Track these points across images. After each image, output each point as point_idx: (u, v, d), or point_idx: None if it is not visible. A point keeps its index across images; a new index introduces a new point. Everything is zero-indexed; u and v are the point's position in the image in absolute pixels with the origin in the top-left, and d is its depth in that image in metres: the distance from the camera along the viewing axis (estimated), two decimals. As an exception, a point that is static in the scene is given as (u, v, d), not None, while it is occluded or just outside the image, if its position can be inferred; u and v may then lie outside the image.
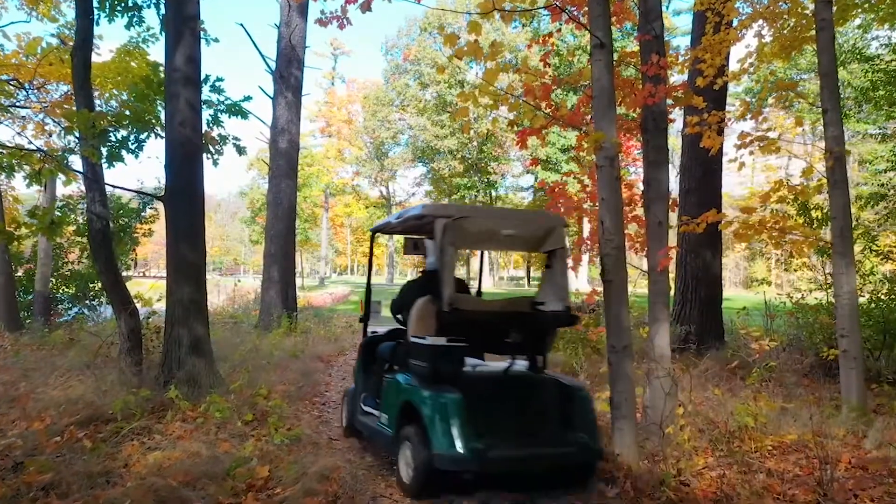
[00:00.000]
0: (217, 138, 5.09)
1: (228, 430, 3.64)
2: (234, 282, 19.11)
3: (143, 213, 13.70)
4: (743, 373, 7.29)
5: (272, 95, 10.85)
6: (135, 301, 12.86)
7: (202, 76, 4.83)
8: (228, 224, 71.71)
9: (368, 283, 4.30)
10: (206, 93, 5.08)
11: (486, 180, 40.82)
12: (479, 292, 4.49)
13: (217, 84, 5.08)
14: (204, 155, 5.06)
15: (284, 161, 10.76)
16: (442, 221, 3.28)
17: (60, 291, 13.41)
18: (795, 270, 9.78)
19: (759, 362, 6.32)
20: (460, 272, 51.07)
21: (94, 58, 5.09)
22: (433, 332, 3.28)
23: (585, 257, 41.13)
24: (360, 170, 45.38)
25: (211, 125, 5.11)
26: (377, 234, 4.57)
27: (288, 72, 10.79)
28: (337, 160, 45.23)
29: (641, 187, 5.08)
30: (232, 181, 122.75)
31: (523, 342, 3.46)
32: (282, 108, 10.71)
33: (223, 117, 5.18)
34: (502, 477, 3.09)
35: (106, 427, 3.61)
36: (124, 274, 14.26)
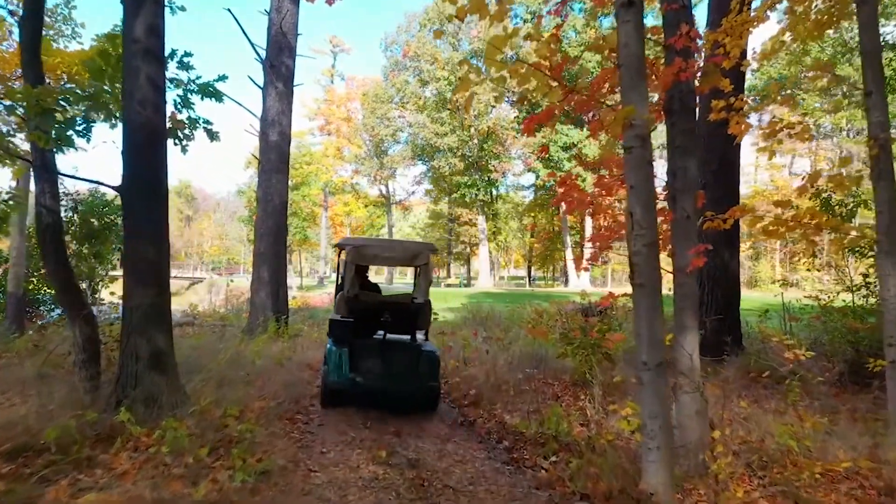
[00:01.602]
0: (186, 122, 4.48)
1: (184, 462, 3.04)
2: (226, 282, 18.52)
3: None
4: (766, 381, 6.74)
5: (262, 85, 10.25)
6: (104, 303, 12.07)
7: (167, 50, 4.23)
8: (228, 223, 71.29)
9: (337, 281, 5.97)
10: (173, 70, 4.48)
11: (486, 178, 40.23)
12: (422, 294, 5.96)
13: (185, 60, 4.46)
14: (171, 141, 4.45)
15: (275, 155, 10.16)
16: (347, 247, 5.53)
17: (42, 292, 12.85)
18: (818, 270, 9.21)
19: (790, 373, 5.74)
20: (462, 269, 50.84)
21: (76, 46, 4.52)
22: (345, 314, 5.41)
23: (587, 254, 40.55)
24: (359, 168, 44.77)
25: (180, 107, 4.50)
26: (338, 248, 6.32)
27: (279, 60, 10.19)
28: (336, 158, 44.60)
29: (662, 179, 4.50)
30: (232, 181, 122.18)
31: (400, 321, 5.44)
32: (272, 98, 10.11)
33: (194, 99, 4.57)
34: (371, 398, 5.14)
35: (38, 459, 3.01)
36: (111, 274, 13.72)
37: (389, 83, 40.24)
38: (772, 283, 37.68)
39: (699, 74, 4.53)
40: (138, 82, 3.86)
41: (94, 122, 3.93)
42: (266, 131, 10.13)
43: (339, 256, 6.09)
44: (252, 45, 10.21)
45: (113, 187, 3.90)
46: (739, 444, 4.51)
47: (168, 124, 4.28)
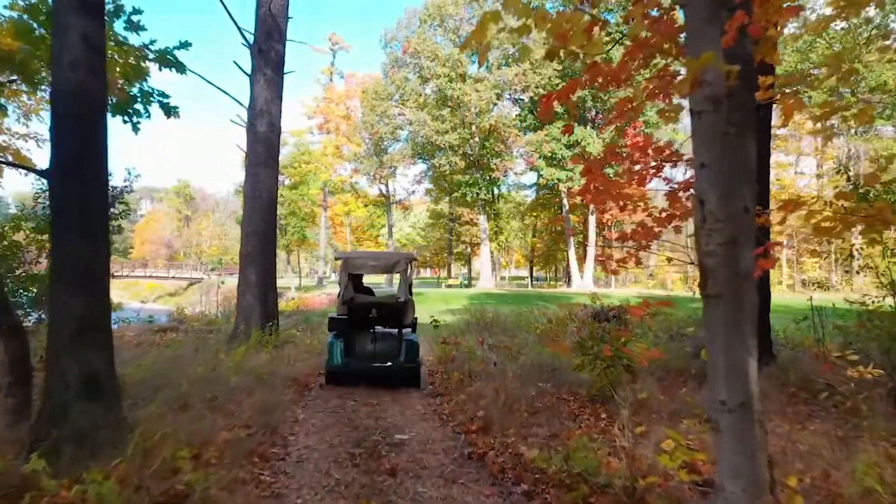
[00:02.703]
0: (137, 95, 3.70)
1: (105, 533, 2.26)
2: (218, 282, 17.78)
3: (111, 209, 12.42)
4: (805, 397, 5.98)
5: (249, 72, 9.49)
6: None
7: (111, 5, 3.47)
8: (228, 223, 70.74)
9: (340, 287, 6.90)
10: (121, 33, 3.72)
11: (488, 177, 39.47)
12: (404, 294, 6.91)
13: (135, 18, 3.68)
14: (120, 119, 3.68)
15: (263, 147, 9.39)
16: (341, 259, 6.92)
17: (19, 294, 12.11)
18: (858, 272, 8.46)
19: (846, 392, 4.96)
20: (463, 269, 50.27)
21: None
22: (342, 313, 6.57)
23: (591, 256, 39.82)
24: (358, 167, 43.97)
25: (132, 80, 3.73)
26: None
27: (267, 45, 9.43)
28: (335, 157, 43.82)
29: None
30: (231, 179, 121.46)
31: (388, 317, 6.61)
32: (260, 86, 9.34)
33: (150, 68, 3.80)
34: (363, 377, 6.33)
35: None
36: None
37: (389, 80, 39.44)
38: (778, 283, 36.81)
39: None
40: (69, 41, 3.10)
41: (7, 84, 3.17)
42: (254, 122, 9.36)
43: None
44: (238, 28, 9.44)
45: (38, 172, 3.14)
46: (799, 482, 3.73)
47: (113, 98, 3.51)
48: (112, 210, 12.43)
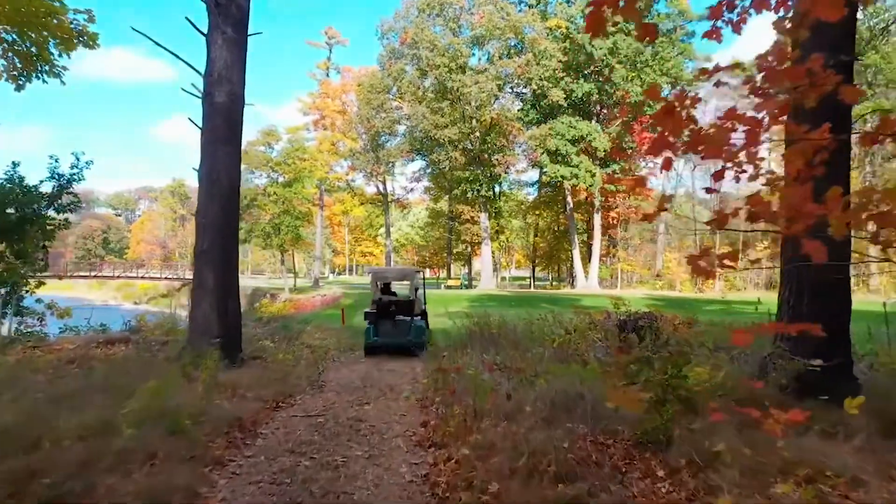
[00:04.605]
0: None
1: None
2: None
3: (58, 201, 10.77)
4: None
5: (206, 31, 7.81)
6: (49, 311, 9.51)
7: None
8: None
9: (372, 291, 11.00)
10: None
11: (489, 174, 37.80)
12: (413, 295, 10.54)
13: None
14: None
15: (222, 120, 7.69)
16: (370, 274, 12.03)
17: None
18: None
19: None
20: (463, 269, 48.79)
21: None
22: (373, 309, 10.02)
23: (596, 255, 38.09)
24: (354, 163, 42.24)
25: None
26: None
27: (227, -2, 7.76)
28: (331, 153, 42.08)
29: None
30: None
31: (404, 310, 9.97)
32: (218, 47, 7.65)
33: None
34: (387, 349, 9.57)
35: None
36: (39, 276, 11.34)
37: (386, 72, 37.71)
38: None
39: None
40: None
41: None
42: (211, 90, 7.67)
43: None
44: (193, -22, 7.79)
45: None
46: None
47: None
48: (59, 201, 10.82)
